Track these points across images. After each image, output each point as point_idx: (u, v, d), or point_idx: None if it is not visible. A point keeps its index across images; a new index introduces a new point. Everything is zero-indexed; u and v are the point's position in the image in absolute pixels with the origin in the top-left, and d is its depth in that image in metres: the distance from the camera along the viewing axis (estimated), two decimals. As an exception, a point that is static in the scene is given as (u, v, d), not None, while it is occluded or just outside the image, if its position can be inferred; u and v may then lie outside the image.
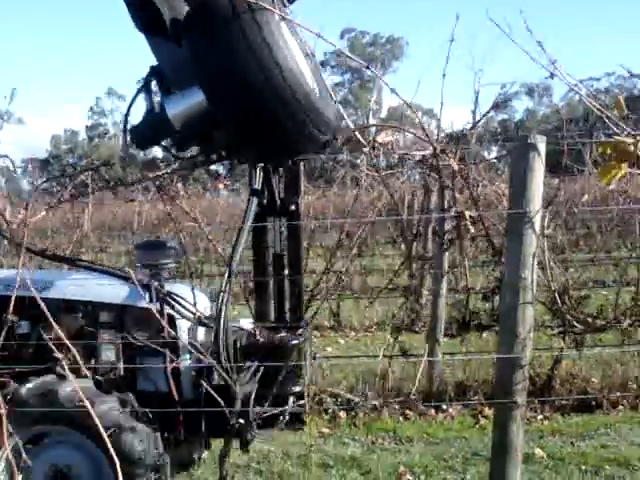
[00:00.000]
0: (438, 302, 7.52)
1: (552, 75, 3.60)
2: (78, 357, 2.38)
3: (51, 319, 1.58)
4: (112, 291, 4.51)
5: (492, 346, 6.21)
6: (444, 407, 6.99)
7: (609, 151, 2.72)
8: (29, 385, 4.06)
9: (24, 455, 3.44)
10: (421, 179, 11.57)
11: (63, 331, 4.24)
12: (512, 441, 3.46)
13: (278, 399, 4.20)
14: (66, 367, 3.61)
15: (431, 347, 7.47)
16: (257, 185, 4.06)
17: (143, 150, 4.25)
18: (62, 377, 4.07)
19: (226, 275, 3.88)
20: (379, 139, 5.20)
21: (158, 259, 4.56)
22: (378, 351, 7.25)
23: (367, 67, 3.87)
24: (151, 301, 4.18)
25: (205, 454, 5.09)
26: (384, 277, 13.98)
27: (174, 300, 4.24)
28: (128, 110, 4.05)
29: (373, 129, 6.38)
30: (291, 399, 4.31)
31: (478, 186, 6.59)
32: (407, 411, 6.94)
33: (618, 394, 6.93)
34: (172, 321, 4.28)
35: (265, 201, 4.28)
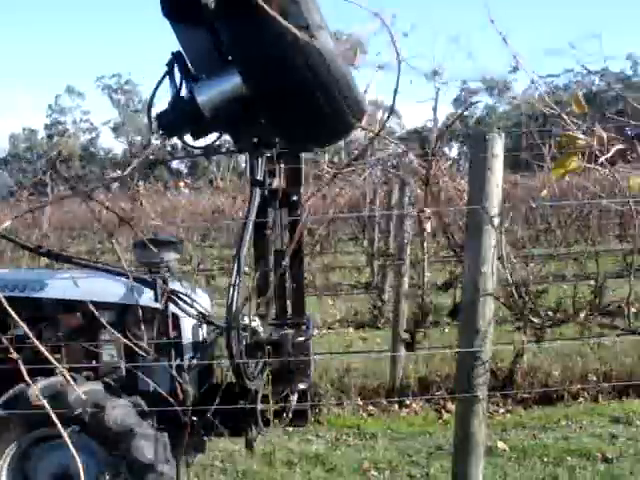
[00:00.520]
0: (400, 298, 7.55)
1: (515, 69, 3.64)
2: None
3: (21, 322, 1.55)
4: (114, 290, 4.41)
5: (454, 341, 6.27)
6: (408, 402, 7.03)
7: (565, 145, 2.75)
8: (37, 386, 3.91)
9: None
10: (382, 175, 11.62)
11: (63, 332, 4.22)
12: (474, 435, 3.48)
13: (283, 396, 4.21)
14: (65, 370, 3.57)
15: (394, 343, 7.51)
16: (259, 176, 3.96)
17: (170, 137, 4.09)
18: (71, 379, 4.01)
19: (235, 270, 3.75)
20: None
21: (159, 257, 4.34)
22: (343, 348, 7.27)
23: (376, 14, 3.81)
24: (156, 300, 4.08)
25: (197, 457, 5.04)
26: (346, 274, 14.06)
27: (180, 299, 4.12)
28: (152, 97, 3.93)
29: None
30: (295, 396, 4.30)
31: (438, 182, 6.62)
32: (371, 407, 6.97)
33: (578, 386, 7.02)
34: (176, 320, 4.24)
35: (266, 192, 4.14)
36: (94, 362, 4.41)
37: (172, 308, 4.18)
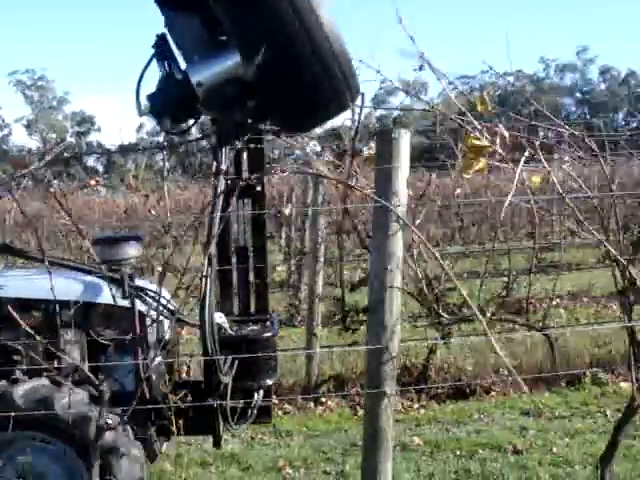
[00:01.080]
0: (314, 296, 7.58)
1: (421, 67, 3.69)
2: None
3: None
4: (77, 288, 4.29)
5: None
6: (323, 400, 7.05)
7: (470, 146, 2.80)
8: (22, 388, 3.83)
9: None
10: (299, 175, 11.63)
11: (24, 331, 4.08)
12: (383, 430, 3.50)
13: (249, 393, 4.19)
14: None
15: (309, 340, 7.53)
16: (224, 165, 3.87)
17: (160, 120, 3.96)
18: (57, 384, 3.89)
19: (206, 262, 3.69)
20: None
21: (120, 254, 4.29)
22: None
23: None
24: (124, 297, 4.02)
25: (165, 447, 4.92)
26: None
27: (147, 296, 4.08)
28: (140, 80, 3.82)
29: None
30: (260, 393, 4.26)
31: (357, 180, 6.64)
32: (286, 405, 6.97)
33: (490, 380, 7.16)
34: (141, 318, 4.14)
35: (230, 182, 4.01)
36: (55, 362, 4.27)
37: (138, 305, 4.13)
